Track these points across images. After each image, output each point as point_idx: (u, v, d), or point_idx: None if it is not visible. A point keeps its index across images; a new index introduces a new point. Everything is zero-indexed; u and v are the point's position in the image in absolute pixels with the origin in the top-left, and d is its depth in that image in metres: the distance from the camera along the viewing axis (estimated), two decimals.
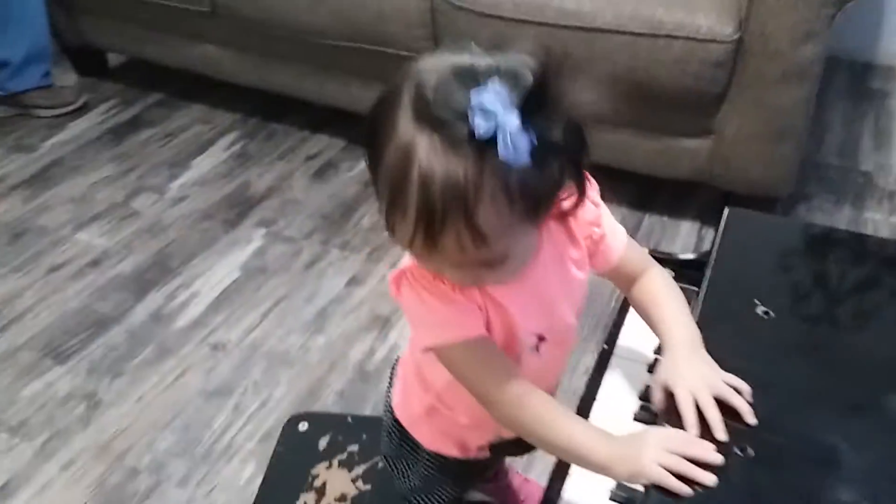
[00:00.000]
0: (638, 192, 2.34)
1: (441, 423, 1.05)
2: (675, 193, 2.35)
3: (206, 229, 2.37)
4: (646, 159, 2.09)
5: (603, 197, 0.93)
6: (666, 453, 0.77)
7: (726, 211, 1.21)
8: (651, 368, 1.08)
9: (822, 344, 0.96)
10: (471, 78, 0.66)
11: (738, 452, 0.81)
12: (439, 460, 1.10)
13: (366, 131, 0.74)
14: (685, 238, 2.22)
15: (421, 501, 1.16)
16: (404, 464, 1.16)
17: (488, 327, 0.84)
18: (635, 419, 1.00)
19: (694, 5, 1.82)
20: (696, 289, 1.10)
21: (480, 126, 0.64)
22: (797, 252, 1.14)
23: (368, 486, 1.26)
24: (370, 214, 2.39)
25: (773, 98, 1.83)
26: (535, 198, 0.72)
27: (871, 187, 2.31)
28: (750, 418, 0.84)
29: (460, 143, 0.65)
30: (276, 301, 2.09)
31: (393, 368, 1.17)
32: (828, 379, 0.91)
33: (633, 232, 2.21)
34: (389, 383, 1.18)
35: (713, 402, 0.84)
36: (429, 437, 1.08)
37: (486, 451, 1.09)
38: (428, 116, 0.66)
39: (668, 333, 0.92)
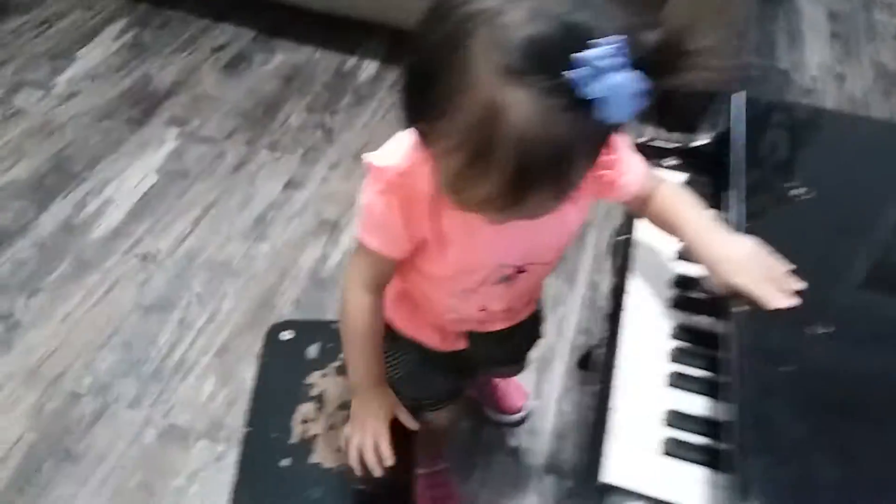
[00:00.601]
0: None
1: (413, 307, 1.00)
2: None
3: (108, 129, 2.10)
4: None
5: None
6: (356, 435, 0.96)
7: (733, 98, 1.20)
8: (682, 256, 1.06)
9: (864, 219, 0.98)
10: (572, 29, 0.57)
11: (811, 331, 0.82)
12: (421, 351, 1.05)
13: (417, 72, 0.64)
14: None
15: (415, 394, 1.11)
16: (392, 356, 1.10)
17: (443, 256, 0.83)
18: (675, 307, 0.98)
19: None
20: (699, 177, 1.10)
21: (590, 87, 0.57)
22: (814, 133, 1.15)
23: None
24: (297, 113, 2.22)
25: None
26: (610, 145, 0.67)
27: (790, 84, 2.41)
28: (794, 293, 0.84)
29: (560, 102, 0.57)
30: (205, 207, 1.91)
31: None
32: (877, 253, 0.93)
33: None
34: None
35: (771, 284, 0.83)
36: (406, 324, 1.04)
37: (464, 340, 1.05)
38: (520, 71, 0.57)
39: (697, 232, 0.90)
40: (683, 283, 1.00)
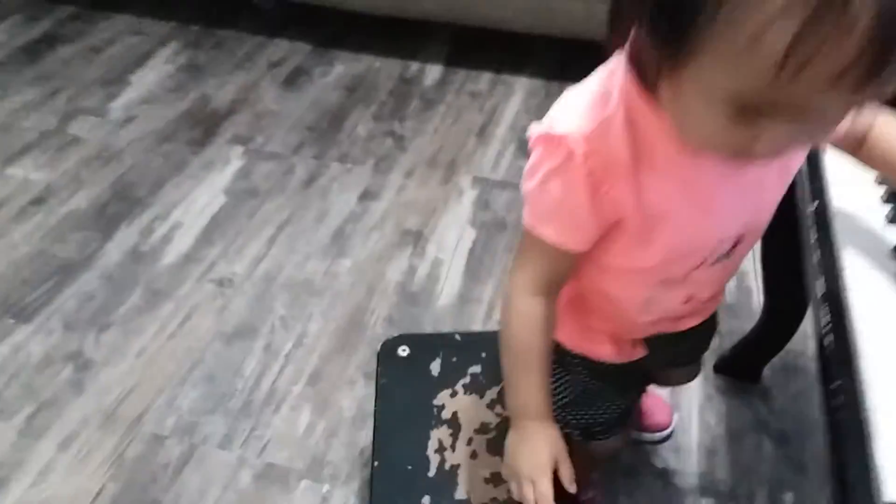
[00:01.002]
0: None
1: (587, 314, 0.83)
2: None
3: (168, 152, 1.98)
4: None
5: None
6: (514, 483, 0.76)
7: None
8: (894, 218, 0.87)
9: None
10: None
11: None
12: (591, 367, 0.87)
13: None
14: None
15: (585, 421, 0.93)
16: (557, 377, 0.91)
17: (647, 240, 0.67)
18: None
19: None
20: None
21: None
22: None
23: None
24: (364, 122, 2.07)
25: None
26: None
27: None
28: None
29: None
30: (279, 225, 1.77)
31: None
32: None
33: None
34: None
35: None
36: (575, 336, 0.85)
37: (642, 347, 0.87)
38: None
39: None
40: None
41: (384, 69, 2.29)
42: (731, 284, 1.55)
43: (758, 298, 1.51)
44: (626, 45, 0.59)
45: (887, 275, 0.80)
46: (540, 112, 0.72)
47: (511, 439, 0.77)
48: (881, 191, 0.90)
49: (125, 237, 1.74)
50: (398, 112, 2.12)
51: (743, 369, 1.43)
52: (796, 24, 0.42)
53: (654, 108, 0.58)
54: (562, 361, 0.88)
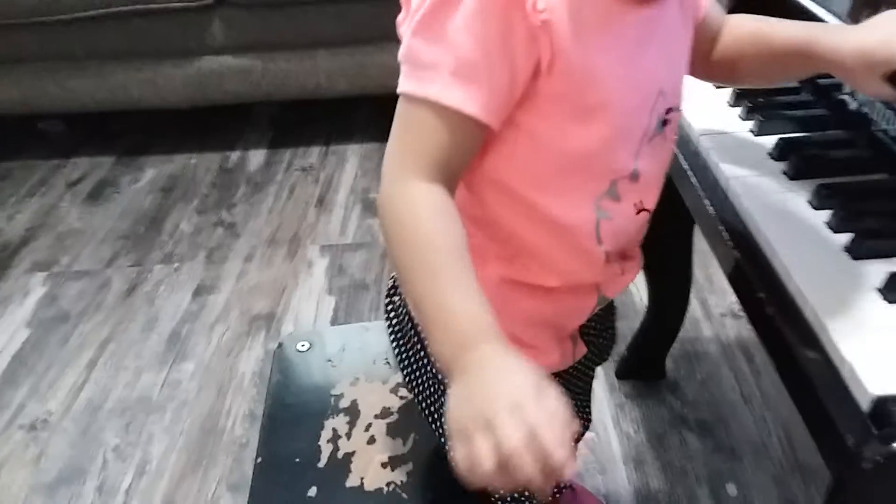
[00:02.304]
0: None
1: (522, 300, 0.64)
2: None
3: None
4: None
5: None
6: (515, 421, 0.41)
7: None
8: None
9: None
10: None
11: None
12: None
13: None
14: None
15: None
16: None
17: (586, 92, 0.54)
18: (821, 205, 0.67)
19: None
20: None
21: None
22: None
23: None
24: (187, 219, 1.85)
25: None
26: None
27: None
28: None
29: None
30: (99, 346, 1.48)
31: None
32: None
33: None
34: (389, 299, 0.74)
35: None
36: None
37: (582, 343, 0.72)
38: None
39: (812, 32, 0.65)
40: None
41: (201, 164, 2.09)
42: None
43: (640, 297, 1.41)
44: None
45: (769, 178, 0.70)
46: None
47: (456, 389, 0.44)
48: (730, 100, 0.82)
49: None
50: (224, 201, 1.92)
51: (645, 367, 1.31)
52: None
53: None
54: None
